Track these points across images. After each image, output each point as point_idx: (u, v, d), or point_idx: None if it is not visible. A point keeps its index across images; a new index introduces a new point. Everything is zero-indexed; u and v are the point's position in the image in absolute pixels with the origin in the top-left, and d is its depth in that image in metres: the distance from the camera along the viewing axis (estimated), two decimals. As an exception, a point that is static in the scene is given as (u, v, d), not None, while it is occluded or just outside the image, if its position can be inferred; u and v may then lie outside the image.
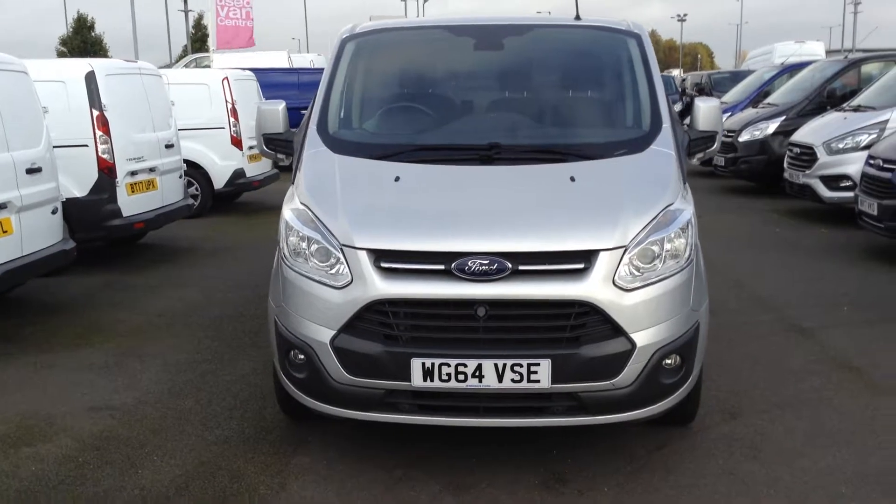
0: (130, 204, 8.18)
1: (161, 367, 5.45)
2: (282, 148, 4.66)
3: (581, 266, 3.52)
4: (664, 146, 4.15)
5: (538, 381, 3.49)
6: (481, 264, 3.48)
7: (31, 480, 3.92)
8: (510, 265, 3.48)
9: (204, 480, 3.90)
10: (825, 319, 6.30)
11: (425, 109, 4.64)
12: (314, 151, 4.22)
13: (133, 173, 8.25)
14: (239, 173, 11.75)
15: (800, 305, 6.68)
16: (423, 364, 3.51)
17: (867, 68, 13.79)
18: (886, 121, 10.23)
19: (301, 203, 3.93)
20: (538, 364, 3.47)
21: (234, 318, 6.58)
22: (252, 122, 12.07)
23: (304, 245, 3.80)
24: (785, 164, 11.25)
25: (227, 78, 11.67)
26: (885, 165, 8.31)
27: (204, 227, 10.67)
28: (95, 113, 7.85)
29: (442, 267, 3.52)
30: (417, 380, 3.53)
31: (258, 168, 12.29)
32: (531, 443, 4.12)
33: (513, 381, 3.49)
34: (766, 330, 6.09)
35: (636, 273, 3.58)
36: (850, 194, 10.10)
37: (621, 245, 3.56)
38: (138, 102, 8.59)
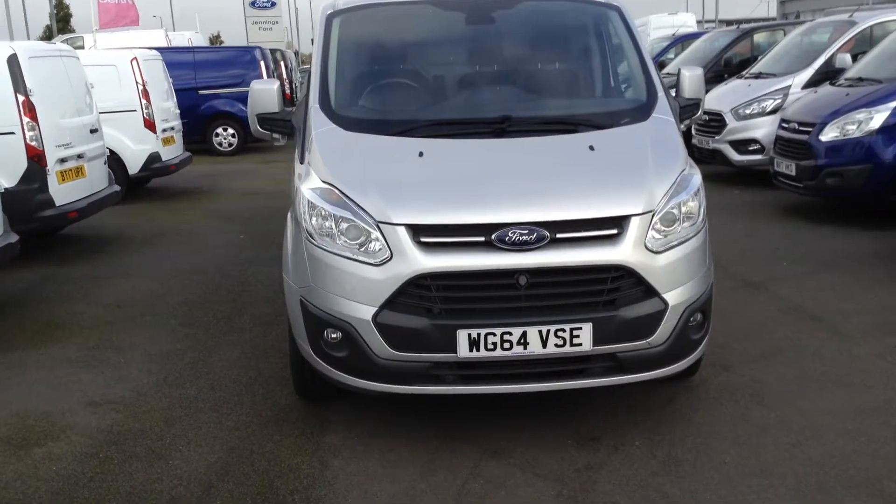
0: (62, 193, 7.79)
1: (144, 357, 5.29)
2: (279, 127, 4.60)
3: (615, 231, 3.67)
4: (664, 114, 4.34)
5: (580, 345, 3.62)
6: (521, 234, 3.58)
7: (58, 481, 3.77)
8: (548, 234, 3.59)
9: (243, 464, 3.86)
10: (770, 273, 6.72)
11: (427, 84, 4.66)
12: (324, 129, 4.19)
13: (62, 160, 7.85)
14: (154, 157, 11.32)
15: (742, 262, 7.09)
16: (469, 335, 3.58)
17: (758, 38, 14.57)
18: (789, 86, 10.89)
19: (323, 182, 3.90)
20: (580, 328, 3.61)
21: (198, 304, 6.42)
22: (163, 103, 11.79)
23: (331, 224, 3.78)
24: (693, 131, 11.76)
25: (136, 58, 11.21)
26: (801, 128, 8.86)
27: (126, 214, 10.26)
28: (21, 98, 7.42)
29: (482, 239, 3.60)
30: (464, 350, 3.60)
31: (173, 151, 11.90)
32: (556, 407, 4.27)
33: (556, 345, 3.62)
34: (722, 286, 6.43)
35: (662, 236, 3.76)
36: (759, 157, 10.74)
37: (649, 210, 3.72)
38: (61, 85, 8.17)
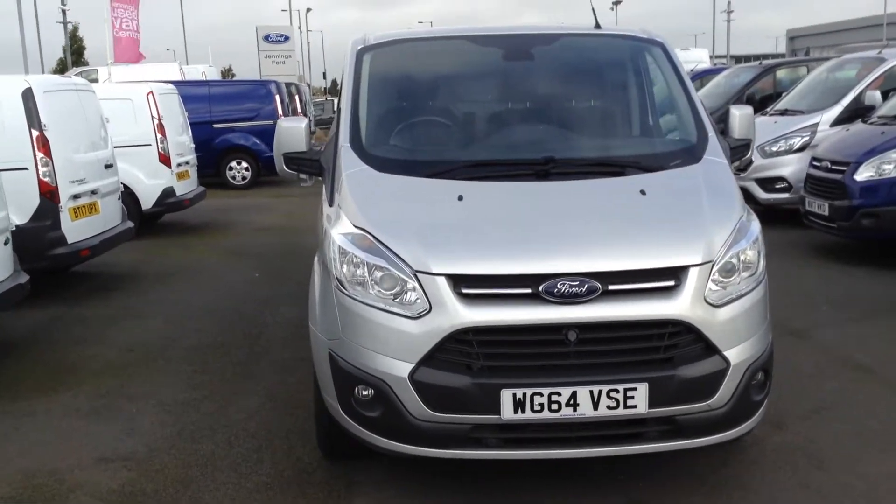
0: (74, 230, 7.56)
1: (157, 407, 5.01)
2: (306, 167, 4.36)
3: (672, 283, 3.39)
4: (716, 156, 4.08)
5: (635, 406, 3.33)
6: (571, 286, 3.31)
7: (66, 550, 3.49)
8: (600, 286, 3.32)
9: (265, 534, 3.56)
10: (810, 319, 6.42)
11: (464, 124, 4.43)
12: (355, 171, 3.94)
13: (76, 196, 7.64)
14: (168, 192, 11.13)
15: (781, 306, 6.73)
16: (515, 395, 3.30)
17: (780, 74, 14.37)
18: (817, 124, 10.63)
19: (355, 226, 3.64)
20: (635, 388, 3.32)
21: (214, 347, 6.15)
22: (178, 137, 11.62)
23: (364, 272, 3.52)
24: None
25: (151, 92, 11.06)
26: (834, 167, 8.60)
27: (138, 250, 10.03)
28: (35, 133, 7.22)
29: (529, 290, 3.33)
30: (508, 412, 3.31)
31: (187, 186, 11.71)
32: (601, 467, 3.97)
33: (609, 407, 3.33)
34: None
35: (721, 288, 3.48)
36: (786, 195, 10.47)
37: (709, 260, 3.45)
38: (76, 120, 7.98)
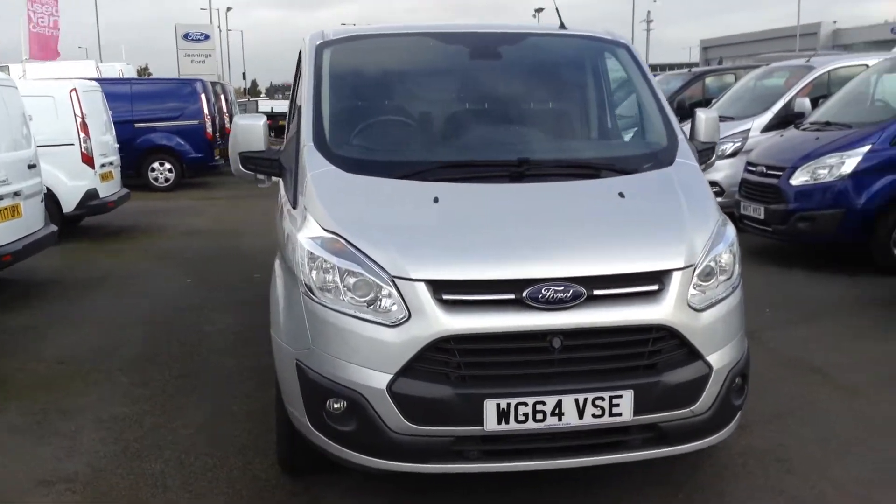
0: (-5, 234, 7.10)
1: (96, 424, 4.69)
2: (265, 168, 4.13)
3: (655, 287, 3.31)
4: (688, 158, 4.03)
5: (620, 415, 3.23)
6: (556, 291, 3.18)
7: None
8: (584, 291, 3.21)
9: (229, 559, 3.33)
10: (756, 322, 6.44)
11: (434, 123, 4.26)
12: (322, 171, 3.73)
13: (-3, 198, 7.17)
14: (91, 194, 10.63)
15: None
16: (499, 405, 3.15)
17: (709, 81, 14.67)
18: (748, 130, 10.86)
19: (325, 230, 3.44)
20: (620, 396, 3.22)
21: (151, 358, 5.83)
22: (102, 137, 11.11)
23: (335, 278, 3.33)
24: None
25: (75, 89, 10.54)
26: (769, 172, 8.75)
27: (60, 255, 9.53)
28: (-48, 130, 6.75)
29: (512, 296, 3.19)
30: (491, 423, 3.17)
31: (111, 187, 11.23)
32: (577, 477, 3.86)
33: (594, 416, 3.22)
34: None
35: (701, 293, 3.41)
36: (720, 200, 10.62)
37: (691, 264, 3.38)
38: (-4, 117, 7.50)
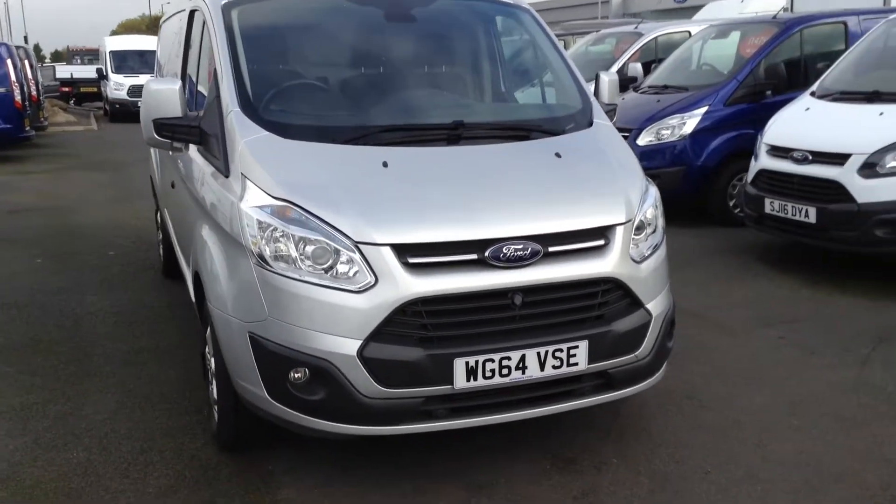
0: None
1: (-8, 417, 4.33)
2: (182, 135, 3.94)
3: (602, 242, 3.50)
4: (603, 119, 4.24)
5: (576, 364, 3.41)
6: (516, 250, 3.30)
7: None
8: (541, 248, 3.35)
9: (198, 541, 3.22)
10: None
11: (362, 87, 4.18)
12: (256, 138, 3.61)
13: None
14: None
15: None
16: (468, 363, 3.24)
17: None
18: (587, 93, 11.38)
19: (275, 198, 3.36)
20: (577, 346, 3.40)
21: (30, 345, 5.42)
22: None
23: (289, 246, 3.27)
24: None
25: None
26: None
27: None
28: None
29: (475, 256, 3.27)
30: (461, 381, 3.25)
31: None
32: (519, 428, 4.01)
33: (553, 367, 3.38)
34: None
35: (637, 246, 3.64)
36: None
37: (630, 219, 3.59)
38: None
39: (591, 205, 3.56)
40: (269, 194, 3.38)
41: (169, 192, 5.21)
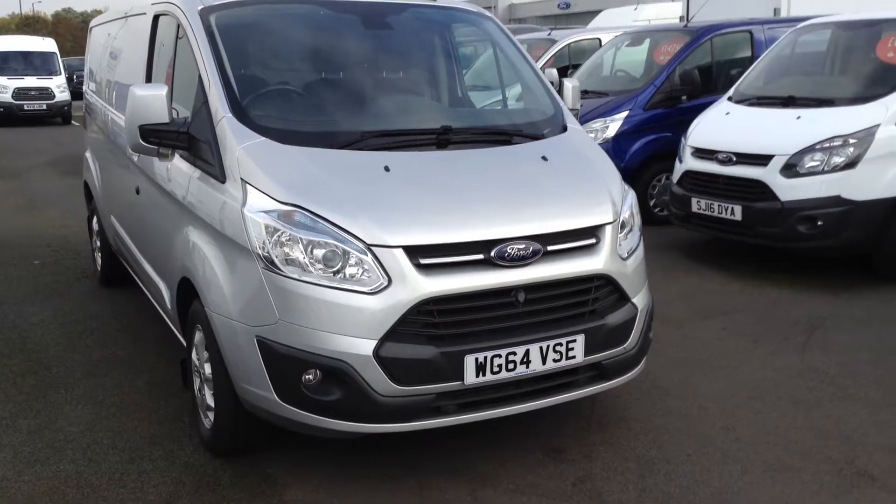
0: None
1: (-39, 434, 4.17)
2: (170, 141, 3.91)
3: (594, 241, 3.70)
4: (575, 124, 4.45)
5: (574, 357, 3.60)
6: (519, 249, 3.46)
7: None
8: (541, 247, 3.52)
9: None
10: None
11: (349, 93, 4.22)
12: (253, 143, 3.64)
13: None
14: None
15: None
16: (477, 359, 3.38)
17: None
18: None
19: (282, 202, 3.40)
20: (574, 340, 3.58)
21: (-20, 359, 5.22)
22: None
23: (299, 250, 3.32)
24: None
25: None
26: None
27: None
28: None
29: (481, 256, 3.42)
30: (471, 377, 3.38)
31: None
32: (507, 422, 4.14)
33: (554, 360, 3.55)
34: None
35: (622, 244, 3.85)
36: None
37: (616, 218, 3.81)
38: None
39: (583, 205, 3.76)
40: (274, 199, 3.43)
41: (128, 198, 5.11)
